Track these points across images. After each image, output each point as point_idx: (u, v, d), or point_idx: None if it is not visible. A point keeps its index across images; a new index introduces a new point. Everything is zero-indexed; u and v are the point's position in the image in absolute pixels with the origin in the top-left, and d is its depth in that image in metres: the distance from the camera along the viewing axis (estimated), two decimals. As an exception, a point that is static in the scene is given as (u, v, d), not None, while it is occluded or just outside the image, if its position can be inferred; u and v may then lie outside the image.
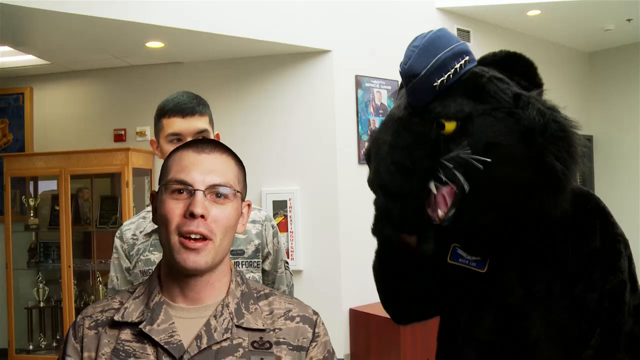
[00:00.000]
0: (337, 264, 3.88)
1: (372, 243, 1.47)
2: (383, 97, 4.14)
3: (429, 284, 1.41)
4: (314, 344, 1.09)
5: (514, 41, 4.98)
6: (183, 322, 1.05)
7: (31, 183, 4.58)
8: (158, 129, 1.70)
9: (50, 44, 3.88)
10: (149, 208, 1.73)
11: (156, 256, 1.66)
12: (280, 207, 3.97)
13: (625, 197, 5.50)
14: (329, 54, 3.94)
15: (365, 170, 1.37)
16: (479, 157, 1.16)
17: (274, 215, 3.90)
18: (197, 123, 1.67)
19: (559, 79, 5.46)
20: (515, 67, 1.29)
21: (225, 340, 1.03)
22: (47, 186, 4.59)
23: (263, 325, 1.07)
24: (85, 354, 1.06)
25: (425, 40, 1.20)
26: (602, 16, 4.87)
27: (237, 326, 1.05)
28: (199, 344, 1.02)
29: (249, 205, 1.16)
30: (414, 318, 1.52)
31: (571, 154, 1.18)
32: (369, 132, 3.87)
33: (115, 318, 1.06)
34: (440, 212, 1.19)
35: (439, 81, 1.19)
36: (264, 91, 4.09)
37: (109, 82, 4.53)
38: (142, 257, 1.69)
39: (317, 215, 3.93)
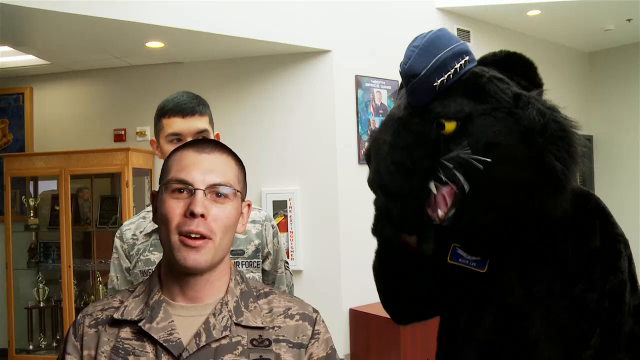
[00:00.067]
0: (337, 264, 3.88)
1: (372, 243, 1.47)
2: (383, 97, 4.14)
3: (429, 284, 1.41)
4: (313, 340, 1.10)
5: (514, 41, 4.98)
6: (182, 320, 1.06)
7: (31, 183, 4.58)
8: (158, 129, 1.71)
9: (50, 44, 3.88)
10: (149, 208, 1.73)
11: (156, 256, 1.66)
12: (280, 207, 3.98)
13: (625, 197, 5.50)
14: (329, 54, 3.94)
15: (365, 170, 1.37)
16: (479, 157, 1.16)
17: (274, 215, 3.90)
18: (197, 123, 1.67)
19: (559, 79, 5.47)
20: (515, 67, 1.29)
21: (224, 338, 1.04)
22: (47, 186, 4.59)
23: (262, 323, 1.07)
24: (85, 352, 1.06)
25: (425, 40, 1.20)
26: (602, 16, 4.87)
27: (237, 324, 1.06)
28: (197, 342, 1.02)
29: (249, 205, 1.16)
30: (414, 318, 1.52)
31: (571, 154, 1.18)
32: (369, 132, 3.87)
33: (115, 316, 1.07)
34: (440, 212, 1.19)
35: (439, 81, 1.19)
36: (264, 91, 4.09)
37: (109, 82, 4.53)
38: (142, 257, 1.69)
39: (317, 215, 3.93)
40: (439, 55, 1.19)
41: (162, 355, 1.01)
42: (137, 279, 1.68)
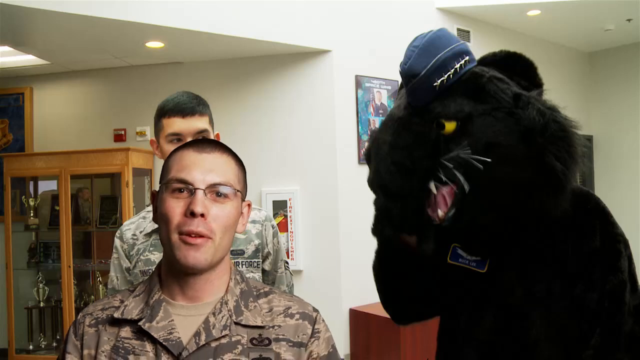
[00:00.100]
0: (337, 264, 3.88)
1: (372, 243, 1.47)
2: (383, 97, 4.14)
3: (429, 284, 1.41)
4: (313, 339, 1.10)
5: (514, 41, 4.98)
6: (182, 319, 1.06)
7: (31, 183, 4.58)
8: (158, 129, 1.71)
9: (50, 44, 3.88)
10: (149, 208, 1.73)
11: (156, 256, 1.67)
12: (280, 207, 3.98)
13: (625, 197, 5.50)
14: (329, 54, 3.94)
15: (365, 170, 1.37)
16: (479, 157, 1.16)
17: (274, 215, 3.90)
18: (197, 123, 1.67)
19: (559, 79, 5.47)
20: (515, 67, 1.29)
21: (223, 337, 1.04)
22: (47, 186, 4.59)
23: (262, 323, 1.07)
24: (85, 352, 1.06)
25: (425, 40, 1.20)
26: (602, 16, 4.87)
27: (236, 323, 1.06)
28: (197, 341, 1.02)
29: (249, 205, 1.16)
30: (414, 318, 1.52)
31: (571, 154, 1.18)
32: (369, 132, 3.87)
33: (115, 315, 1.07)
34: (440, 212, 1.19)
35: (439, 81, 1.19)
36: (264, 91, 4.09)
37: (109, 82, 4.53)
38: (142, 257, 1.69)
39: (317, 215, 3.93)
40: (439, 55, 1.19)
41: (162, 354, 1.02)
42: (137, 279, 1.68)
